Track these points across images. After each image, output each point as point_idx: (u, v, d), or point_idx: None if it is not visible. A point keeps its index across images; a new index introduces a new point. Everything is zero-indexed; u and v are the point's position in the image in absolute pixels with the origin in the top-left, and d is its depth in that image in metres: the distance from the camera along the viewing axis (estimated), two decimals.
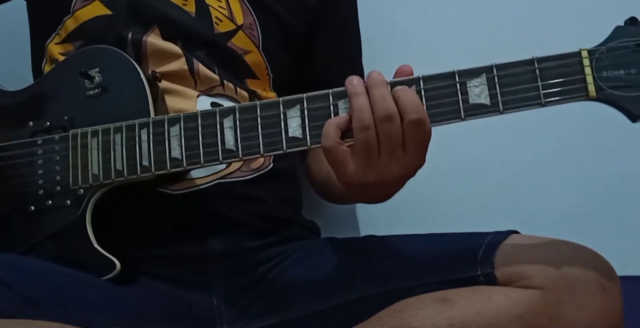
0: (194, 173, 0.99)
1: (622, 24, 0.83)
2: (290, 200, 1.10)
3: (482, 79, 0.83)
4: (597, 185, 1.27)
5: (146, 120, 0.92)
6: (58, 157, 0.95)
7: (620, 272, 0.85)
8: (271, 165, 1.05)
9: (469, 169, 1.29)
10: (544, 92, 0.81)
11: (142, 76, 0.95)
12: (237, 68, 1.07)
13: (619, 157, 1.27)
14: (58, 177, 0.94)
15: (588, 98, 0.81)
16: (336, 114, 0.85)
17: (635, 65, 0.79)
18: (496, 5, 1.34)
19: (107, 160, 0.92)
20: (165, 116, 0.91)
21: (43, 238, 0.94)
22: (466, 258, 0.87)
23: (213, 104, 1.03)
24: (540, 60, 0.82)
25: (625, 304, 0.84)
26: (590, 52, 0.81)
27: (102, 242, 0.92)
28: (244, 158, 0.88)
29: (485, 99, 0.82)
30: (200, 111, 0.90)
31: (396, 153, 0.82)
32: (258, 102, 0.88)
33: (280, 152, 0.87)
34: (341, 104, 0.85)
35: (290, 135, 0.86)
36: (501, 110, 0.82)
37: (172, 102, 0.99)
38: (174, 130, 0.90)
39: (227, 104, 1.04)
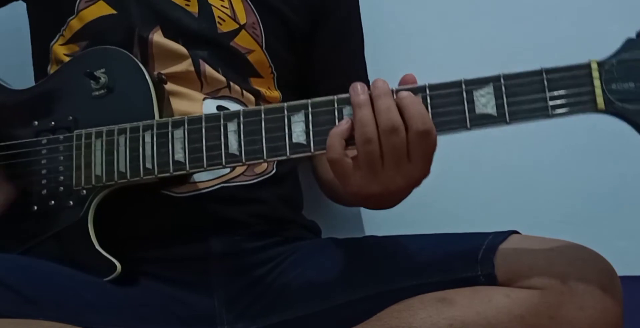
0: (198, 177, 0.98)
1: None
2: (291, 200, 1.10)
3: (489, 89, 0.82)
4: (598, 186, 1.27)
5: (150, 122, 0.92)
6: (62, 157, 0.95)
7: (620, 272, 0.85)
8: (274, 170, 1.06)
9: (469, 170, 1.29)
10: (551, 103, 0.80)
11: (148, 78, 0.95)
12: (240, 67, 1.07)
13: (619, 158, 1.27)
14: (61, 178, 0.94)
15: (596, 110, 0.79)
16: (341, 119, 0.84)
17: None
18: (499, 4, 1.34)
19: (111, 161, 0.92)
20: (169, 119, 0.91)
21: (45, 238, 0.94)
22: (466, 259, 0.87)
23: (219, 108, 1.03)
24: (549, 71, 0.80)
25: (625, 304, 0.84)
26: (600, 64, 0.79)
27: (104, 243, 0.92)
28: (247, 163, 0.87)
29: (492, 109, 0.81)
30: (205, 114, 0.90)
31: (401, 164, 0.81)
32: (263, 107, 0.88)
33: (284, 157, 0.86)
34: (346, 110, 0.85)
35: (294, 141, 0.86)
36: (508, 120, 0.81)
37: (177, 104, 0.99)
38: (178, 133, 0.90)
39: (233, 107, 1.04)
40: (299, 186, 1.16)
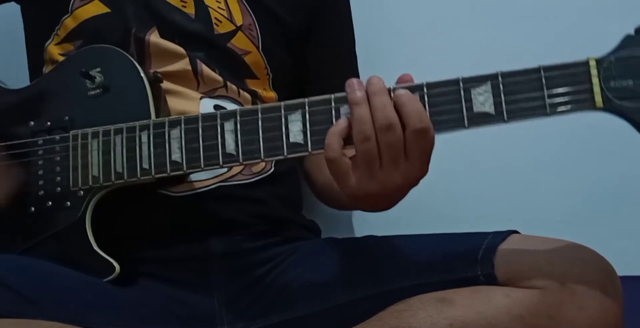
0: (195, 176, 0.98)
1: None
2: (291, 200, 1.10)
3: (487, 87, 0.81)
4: (598, 185, 1.27)
5: (147, 122, 0.91)
6: (58, 158, 0.95)
7: (620, 272, 0.85)
8: (272, 169, 1.06)
9: (469, 169, 1.29)
10: (549, 101, 0.79)
11: (144, 77, 0.94)
12: (237, 68, 1.07)
13: (619, 157, 1.27)
14: (58, 178, 0.94)
15: (595, 108, 0.79)
16: (338, 118, 0.84)
17: None
18: (497, 4, 1.34)
19: (107, 162, 0.92)
20: (166, 118, 0.91)
21: (43, 239, 0.94)
22: (466, 259, 0.87)
23: (216, 107, 1.03)
24: (547, 68, 0.80)
25: (625, 304, 0.84)
26: (598, 61, 0.79)
27: (102, 244, 0.92)
28: (245, 163, 0.87)
29: (489, 108, 0.81)
30: (202, 114, 0.90)
31: (398, 163, 0.81)
32: (260, 106, 0.87)
33: (281, 157, 0.86)
34: (343, 109, 0.84)
35: (291, 140, 0.85)
36: (506, 119, 0.80)
37: (174, 103, 0.99)
38: (175, 132, 0.90)
39: (230, 106, 1.04)
40: (298, 186, 1.16)
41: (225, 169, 1.00)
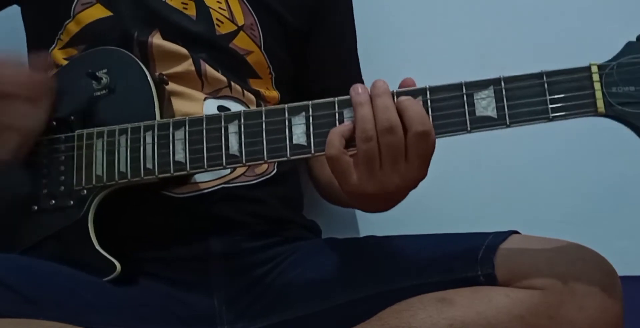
0: (198, 177, 0.98)
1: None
2: (292, 200, 1.11)
3: (490, 91, 0.82)
4: (598, 186, 1.28)
5: (151, 122, 0.92)
6: (63, 157, 0.95)
7: (620, 272, 0.85)
8: (275, 170, 1.06)
9: (469, 169, 1.29)
10: (551, 106, 0.80)
11: (149, 78, 0.95)
12: (239, 68, 1.07)
13: (619, 157, 1.27)
14: (62, 177, 0.95)
15: (597, 114, 0.79)
16: (341, 122, 0.85)
17: None
18: (495, 4, 1.34)
19: (111, 161, 0.92)
20: (171, 119, 0.91)
21: (45, 238, 0.94)
22: (466, 259, 0.87)
23: (220, 108, 1.03)
24: (549, 74, 0.80)
25: (625, 304, 0.84)
26: (600, 67, 0.79)
27: (104, 243, 0.92)
28: (248, 164, 0.88)
29: (492, 112, 0.81)
30: (206, 115, 0.90)
31: (398, 164, 0.81)
32: (263, 108, 0.88)
33: (284, 159, 0.86)
34: (346, 113, 0.85)
35: (294, 142, 0.86)
36: (508, 123, 0.81)
37: (178, 104, 0.99)
38: (179, 133, 0.90)
39: (234, 106, 1.04)
40: (299, 186, 1.16)
41: (229, 171, 1.01)
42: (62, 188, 0.94)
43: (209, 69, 1.04)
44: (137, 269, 0.97)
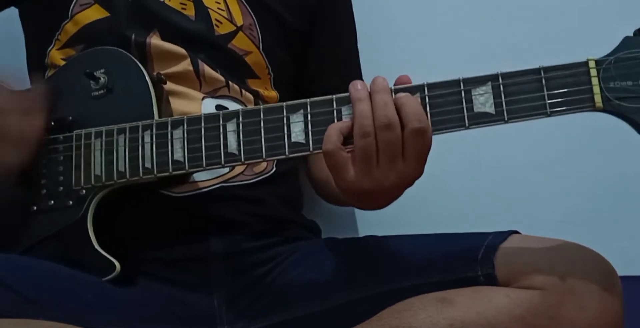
0: (197, 176, 0.99)
1: (625, 24, 0.83)
2: (291, 200, 1.10)
3: (488, 88, 0.82)
4: (598, 186, 1.27)
5: (149, 122, 0.92)
6: (62, 157, 0.95)
7: (620, 272, 0.85)
8: (274, 169, 1.06)
9: (469, 169, 1.29)
10: (549, 101, 0.80)
11: (147, 78, 0.95)
12: (238, 69, 1.07)
13: (619, 157, 1.27)
14: (61, 177, 0.95)
15: (594, 109, 0.79)
16: (339, 119, 0.85)
17: None
18: (495, 4, 1.34)
19: (110, 161, 0.92)
20: (169, 118, 0.92)
21: (44, 238, 0.94)
22: (467, 259, 0.87)
23: (218, 107, 1.03)
24: (547, 69, 0.81)
25: (625, 304, 0.84)
26: (597, 62, 0.80)
27: (103, 243, 0.92)
28: (246, 162, 0.88)
29: (490, 108, 0.82)
30: (204, 114, 0.90)
31: (395, 161, 0.81)
32: (262, 106, 0.88)
33: (283, 156, 0.86)
34: (345, 110, 0.85)
35: (293, 140, 0.86)
36: (506, 119, 0.81)
37: (176, 104, 0.99)
38: (177, 132, 0.90)
39: (232, 106, 1.04)
40: (299, 186, 1.16)
41: (227, 170, 1.01)
42: (61, 188, 0.94)
43: (207, 69, 1.04)
44: (136, 269, 0.97)
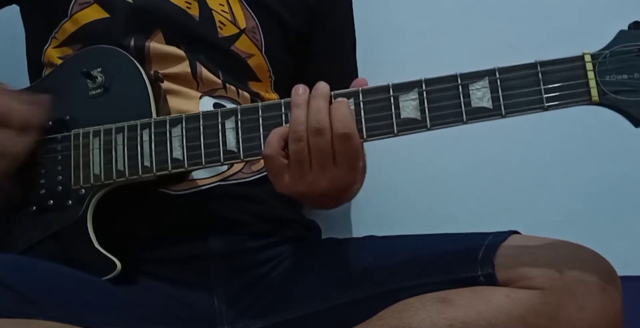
0: (196, 174, 0.99)
1: (623, 22, 0.83)
2: (291, 200, 1.10)
3: (485, 82, 0.82)
4: (598, 186, 1.27)
5: (148, 120, 0.92)
6: (60, 157, 0.95)
7: (620, 272, 0.85)
8: None
9: (469, 169, 1.29)
10: (546, 96, 0.80)
11: (145, 76, 0.95)
12: (240, 71, 1.07)
13: (619, 157, 1.27)
14: (60, 177, 0.95)
15: (591, 102, 0.80)
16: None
17: (638, 70, 0.79)
18: (494, 2, 1.34)
19: (109, 160, 0.92)
20: (167, 117, 0.92)
21: (44, 238, 0.94)
22: (466, 259, 0.87)
23: (216, 105, 1.03)
24: (543, 63, 0.81)
25: (625, 304, 0.84)
26: (593, 56, 0.80)
27: (103, 242, 0.92)
28: (245, 159, 0.88)
29: (487, 103, 0.82)
30: (202, 112, 0.90)
31: (326, 167, 0.83)
32: (260, 104, 0.89)
33: None
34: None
35: None
36: (503, 114, 0.81)
37: (174, 102, 0.99)
38: (176, 130, 0.90)
39: (229, 105, 1.04)
40: None
41: (226, 167, 1.01)
42: (60, 188, 0.94)
43: (205, 71, 1.04)
44: (136, 268, 0.97)
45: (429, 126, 0.83)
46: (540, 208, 1.27)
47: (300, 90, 0.85)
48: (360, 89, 0.86)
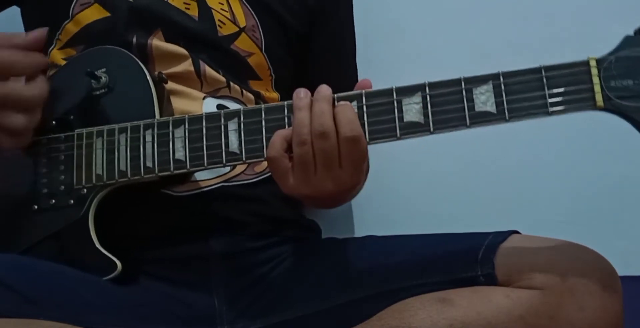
0: (199, 175, 0.99)
1: (625, 23, 0.83)
2: (291, 200, 1.10)
3: (489, 87, 0.82)
4: (598, 186, 1.28)
5: (151, 121, 0.92)
6: (63, 157, 0.95)
7: (620, 272, 0.85)
8: None
9: (469, 169, 1.29)
10: (550, 100, 0.80)
11: (148, 77, 0.95)
12: (240, 70, 1.07)
13: (619, 157, 1.27)
14: (62, 177, 0.95)
15: (595, 108, 0.79)
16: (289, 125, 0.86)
17: None
18: (495, 3, 1.34)
19: (111, 160, 0.92)
20: (170, 118, 0.92)
21: (45, 237, 0.94)
22: (467, 259, 0.87)
23: (219, 106, 1.03)
24: (548, 68, 0.81)
25: (625, 304, 0.84)
26: (598, 61, 0.80)
27: (104, 242, 0.92)
28: (248, 161, 0.88)
29: (491, 107, 0.82)
30: (205, 113, 0.90)
31: (332, 170, 0.83)
32: (263, 106, 0.88)
33: None
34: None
35: None
36: (507, 118, 0.81)
37: (178, 103, 0.99)
38: (179, 132, 0.90)
39: (233, 106, 1.04)
40: None
41: (228, 169, 1.01)
42: (62, 187, 0.94)
43: (208, 70, 1.04)
44: (137, 269, 0.97)
45: (432, 130, 0.83)
46: (540, 208, 1.28)
47: (301, 93, 0.86)
48: (363, 92, 0.85)
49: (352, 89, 0.87)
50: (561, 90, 0.80)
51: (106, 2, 1.04)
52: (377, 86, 0.86)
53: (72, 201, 0.94)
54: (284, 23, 1.10)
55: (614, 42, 0.80)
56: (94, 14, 1.04)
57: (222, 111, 0.89)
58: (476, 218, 1.26)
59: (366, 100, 0.85)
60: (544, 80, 0.81)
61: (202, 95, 1.03)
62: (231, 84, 1.05)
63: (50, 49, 1.06)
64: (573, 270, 0.83)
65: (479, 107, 0.82)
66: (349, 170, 0.83)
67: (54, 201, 0.94)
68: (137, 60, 0.96)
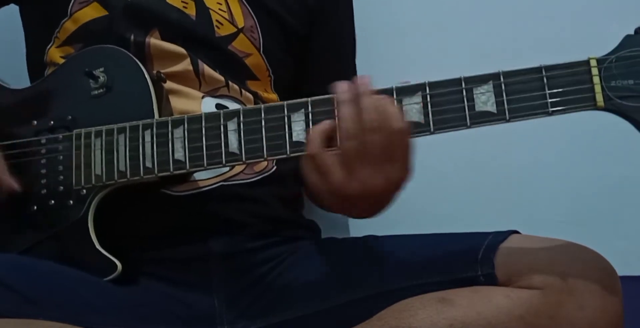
0: (198, 175, 0.98)
1: (624, 25, 0.83)
2: (291, 200, 1.10)
3: (489, 86, 0.82)
4: (598, 186, 1.28)
5: (150, 121, 0.92)
6: (61, 157, 0.95)
7: (620, 272, 0.85)
8: (274, 168, 1.06)
9: (469, 169, 1.29)
10: (551, 100, 0.80)
11: (147, 77, 0.95)
12: (237, 70, 1.07)
13: (619, 158, 1.27)
14: (61, 177, 0.95)
15: (596, 107, 0.79)
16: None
17: None
18: (497, 3, 1.34)
19: (110, 160, 0.92)
20: (169, 118, 0.92)
21: (45, 238, 0.94)
22: (466, 259, 0.87)
23: (218, 106, 1.03)
24: (548, 68, 0.81)
25: (625, 304, 0.84)
26: (599, 61, 0.79)
27: (104, 243, 0.92)
28: (247, 161, 0.88)
29: (491, 107, 0.81)
30: (205, 113, 0.90)
31: (381, 164, 0.81)
32: (262, 106, 0.88)
33: (284, 156, 0.86)
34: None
35: (294, 139, 0.86)
36: (507, 118, 0.81)
37: (176, 103, 0.99)
38: (178, 132, 0.90)
39: (231, 105, 1.04)
40: (299, 186, 1.15)
41: (227, 168, 1.01)
42: (62, 188, 0.94)
43: (207, 69, 1.03)
44: (137, 269, 0.97)
45: (432, 130, 0.83)
46: (540, 208, 1.28)
47: (344, 86, 0.84)
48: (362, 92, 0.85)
49: None
50: (561, 90, 0.80)
51: (104, 0, 1.03)
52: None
53: (71, 202, 0.94)
54: (283, 23, 1.10)
55: (614, 42, 0.80)
56: (92, 12, 1.04)
57: (222, 111, 0.89)
58: (476, 218, 1.26)
59: None
60: (545, 80, 0.80)
61: (201, 94, 1.03)
62: (230, 83, 1.05)
63: (49, 47, 1.06)
64: (573, 270, 0.83)
65: (480, 107, 0.82)
66: (398, 163, 0.81)
67: (53, 202, 0.94)
68: (135, 59, 0.96)
